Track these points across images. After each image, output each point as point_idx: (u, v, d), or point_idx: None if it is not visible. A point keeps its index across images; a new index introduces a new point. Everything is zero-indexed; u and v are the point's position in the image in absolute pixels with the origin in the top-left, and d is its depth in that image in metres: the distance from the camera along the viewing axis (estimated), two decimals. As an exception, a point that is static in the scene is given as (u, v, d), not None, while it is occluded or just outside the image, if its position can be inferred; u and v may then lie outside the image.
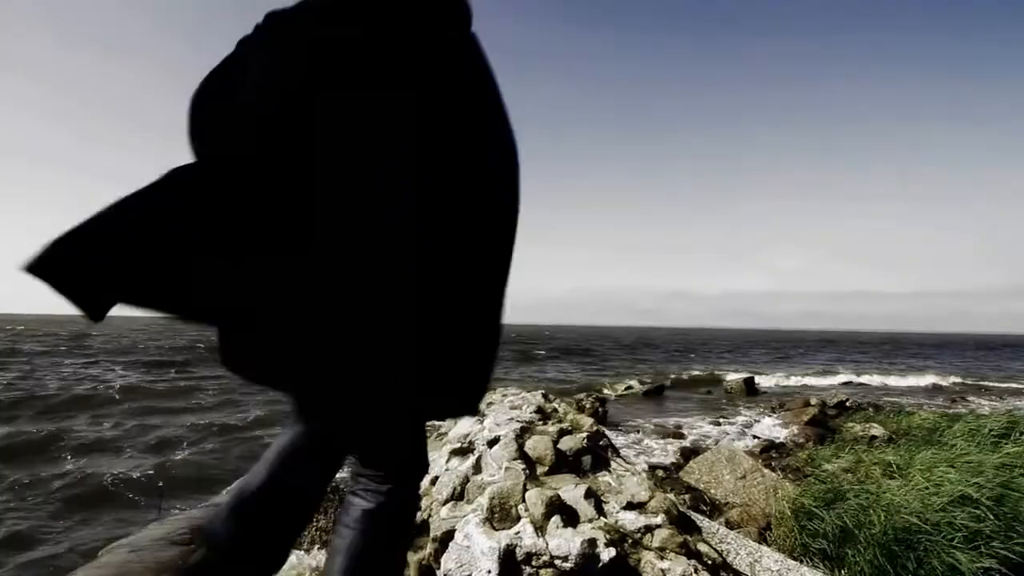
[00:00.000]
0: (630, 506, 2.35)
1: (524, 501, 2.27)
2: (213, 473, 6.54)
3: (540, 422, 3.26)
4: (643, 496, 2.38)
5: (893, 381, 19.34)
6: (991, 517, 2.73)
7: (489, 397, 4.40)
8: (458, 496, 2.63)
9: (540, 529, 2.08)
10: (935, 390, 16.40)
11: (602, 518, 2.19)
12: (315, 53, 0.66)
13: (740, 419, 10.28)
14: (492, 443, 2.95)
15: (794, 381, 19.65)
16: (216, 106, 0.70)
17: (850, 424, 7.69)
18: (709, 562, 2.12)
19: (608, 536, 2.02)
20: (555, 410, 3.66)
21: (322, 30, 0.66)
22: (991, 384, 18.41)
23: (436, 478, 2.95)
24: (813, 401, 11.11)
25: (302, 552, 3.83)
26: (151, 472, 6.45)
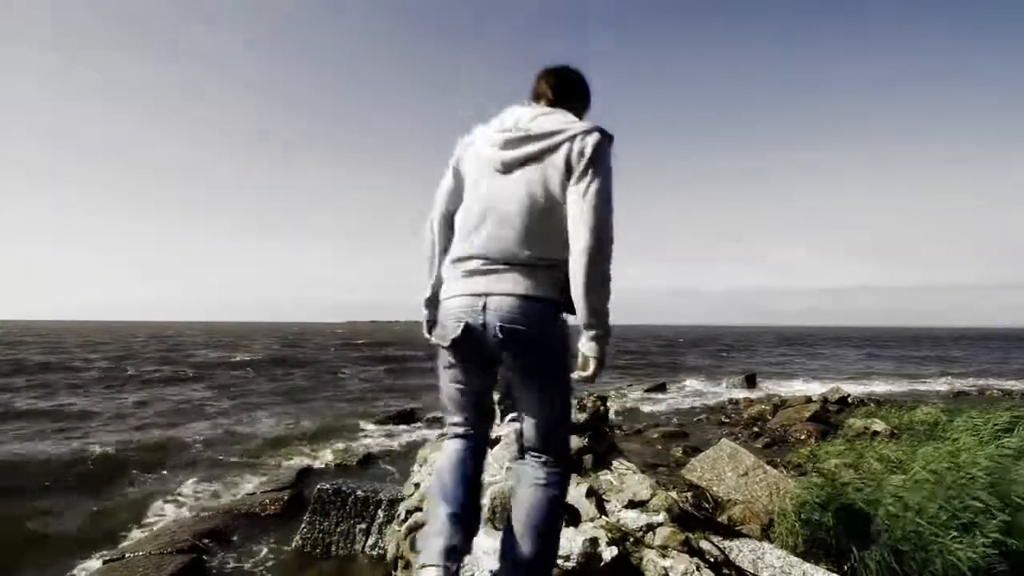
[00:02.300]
0: (632, 504, 2.35)
1: (526, 501, 2.28)
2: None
3: (541, 422, 3.27)
4: (644, 494, 2.38)
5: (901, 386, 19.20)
6: (991, 509, 2.73)
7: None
8: (460, 497, 2.63)
9: (542, 529, 2.09)
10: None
11: (604, 517, 2.19)
12: None
13: (742, 416, 10.28)
14: (494, 443, 2.95)
15: (796, 378, 19.64)
16: None
17: (852, 420, 7.68)
18: (711, 560, 2.12)
19: (610, 535, 2.02)
20: (556, 410, 3.66)
21: None
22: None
23: (438, 479, 2.95)
24: (815, 397, 11.11)
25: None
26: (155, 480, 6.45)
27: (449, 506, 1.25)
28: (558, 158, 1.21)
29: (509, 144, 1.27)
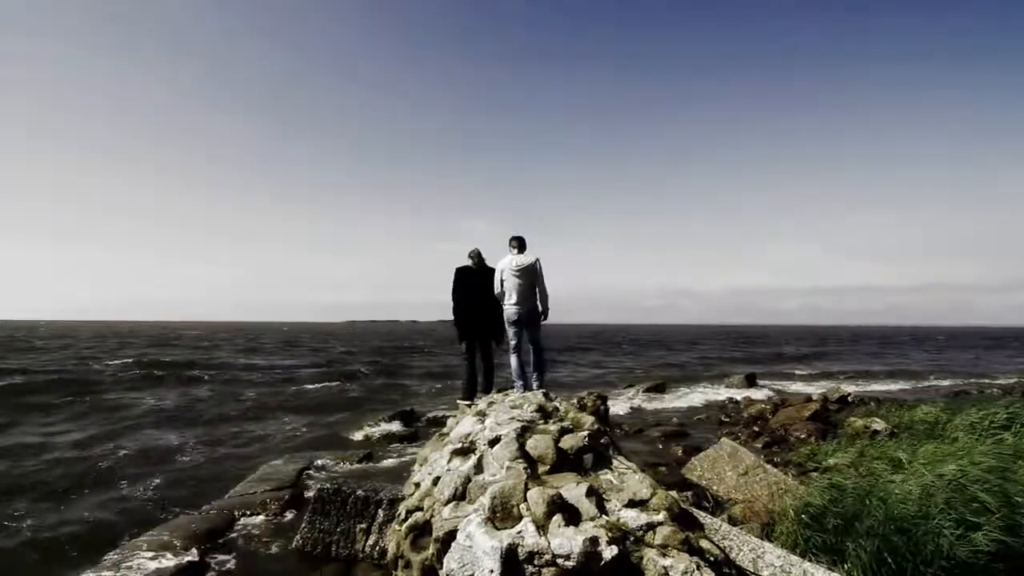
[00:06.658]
0: (632, 504, 2.34)
1: (526, 500, 2.27)
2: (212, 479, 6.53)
3: (541, 421, 3.25)
4: (645, 494, 2.37)
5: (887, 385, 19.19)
6: (987, 507, 2.73)
7: (490, 396, 4.40)
8: (460, 496, 2.62)
9: (542, 528, 2.08)
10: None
11: (604, 516, 2.19)
12: (466, 276, 5.00)
13: (742, 416, 10.28)
14: (493, 443, 2.94)
15: (796, 377, 19.64)
16: (461, 275, 4.97)
17: (852, 419, 7.68)
18: (711, 559, 2.12)
19: (610, 534, 2.01)
20: (556, 408, 3.65)
21: (470, 275, 4.99)
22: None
23: (438, 478, 2.95)
24: (815, 396, 11.10)
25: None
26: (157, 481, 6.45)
27: (523, 372, 4.76)
28: (533, 271, 4.60)
29: (517, 268, 4.56)
